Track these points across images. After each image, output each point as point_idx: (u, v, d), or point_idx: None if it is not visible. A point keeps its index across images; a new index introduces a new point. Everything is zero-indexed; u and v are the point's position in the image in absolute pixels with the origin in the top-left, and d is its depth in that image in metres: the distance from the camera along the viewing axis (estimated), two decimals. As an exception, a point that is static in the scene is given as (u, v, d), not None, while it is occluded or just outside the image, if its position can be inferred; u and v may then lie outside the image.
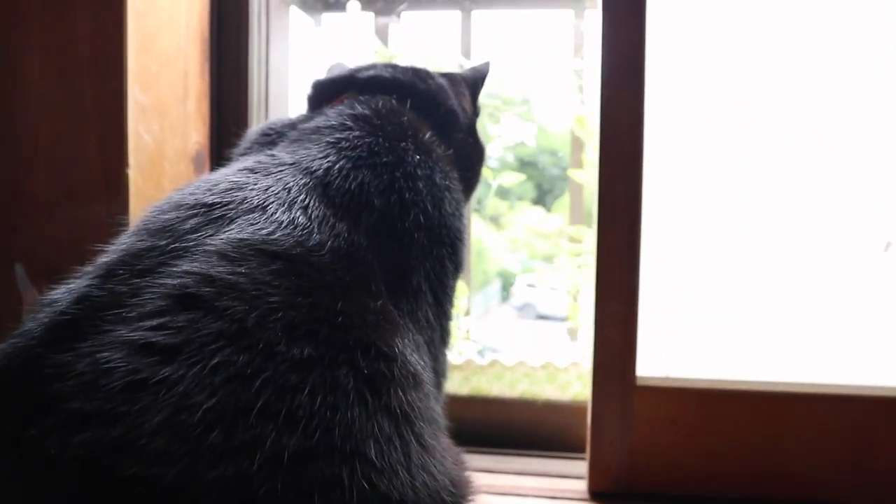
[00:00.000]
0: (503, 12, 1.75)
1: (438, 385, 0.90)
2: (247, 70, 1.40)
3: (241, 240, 0.72)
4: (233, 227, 0.74)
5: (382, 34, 1.74)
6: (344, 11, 1.74)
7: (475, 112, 1.12)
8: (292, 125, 0.95)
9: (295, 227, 0.76)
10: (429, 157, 0.92)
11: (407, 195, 0.87)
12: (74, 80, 1.14)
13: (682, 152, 1.22)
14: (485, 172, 1.71)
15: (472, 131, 1.10)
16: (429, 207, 0.89)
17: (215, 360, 0.58)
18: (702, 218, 1.22)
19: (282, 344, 0.61)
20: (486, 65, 1.15)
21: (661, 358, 1.21)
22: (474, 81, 1.12)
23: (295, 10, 1.75)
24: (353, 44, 1.73)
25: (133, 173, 1.13)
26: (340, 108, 0.94)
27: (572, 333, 1.77)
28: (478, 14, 1.77)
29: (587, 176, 1.74)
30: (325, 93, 1.02)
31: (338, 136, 0.89)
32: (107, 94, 1.13)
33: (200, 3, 1.32)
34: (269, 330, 0.62)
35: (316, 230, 0.77)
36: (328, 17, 1.81)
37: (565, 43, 1.77)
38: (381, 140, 0.89)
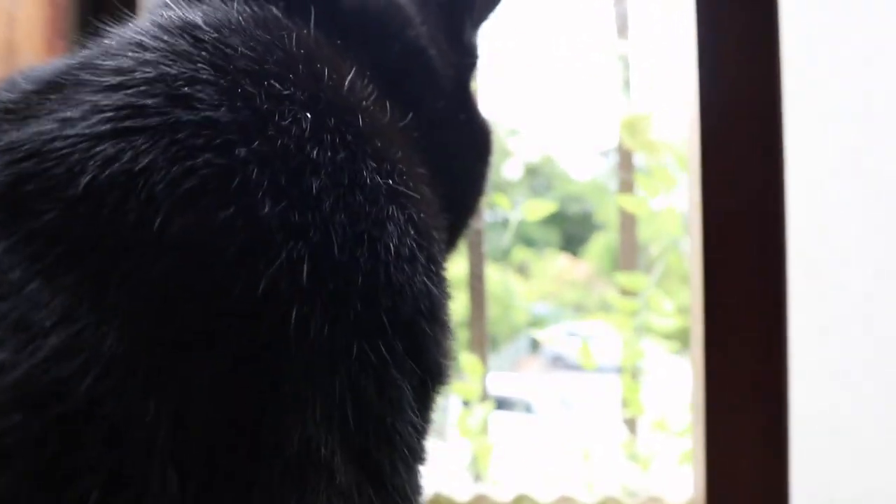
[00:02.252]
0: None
1: None
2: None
3: None
4: None
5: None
6: None
7: (467, 57, 0.54)
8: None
9: None
10: (348, 126, 0.36)
11: (267, 209, 0.30)
12: None
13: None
14: (496, 198, 1.14)
15: (460, 97, 0.52)
16: (335, 240, 0.32)
17: None
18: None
19: None
20: None
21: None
22: (458, 2, 0.54)
23: None
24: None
25: None
26: (147, 18, 0.39)
27: (630, 425, 1.17)
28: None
29: (641, 204, 1.16)
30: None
31: (109, 64, 0.33)
32: None
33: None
34: None
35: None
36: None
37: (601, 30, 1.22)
38: (205, 69, 0.33)
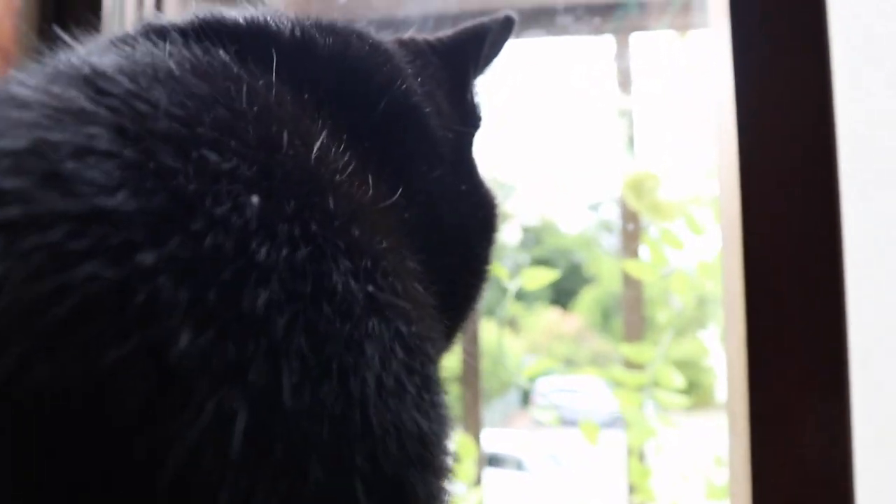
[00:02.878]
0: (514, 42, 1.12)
1: None
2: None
3: None
4: None
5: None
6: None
7: (469, 118, 0.45)
8: None
9: None
10: (313, 211, 0.26)
11: (184, 343, 0.20)
12: None
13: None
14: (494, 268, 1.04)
15: (461, 165, 0.43)
16: (287, 380, 0.22)
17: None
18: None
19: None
20: (499, 21, 0.47)
21: None
22: (461, 56, 0.45)
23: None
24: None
25: None
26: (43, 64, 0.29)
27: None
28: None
29: (648, 268, 1.07)
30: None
31: None
32: None
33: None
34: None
35: None
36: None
37: (600, 84, 1.14)
38: (103, 135, 0.23)
